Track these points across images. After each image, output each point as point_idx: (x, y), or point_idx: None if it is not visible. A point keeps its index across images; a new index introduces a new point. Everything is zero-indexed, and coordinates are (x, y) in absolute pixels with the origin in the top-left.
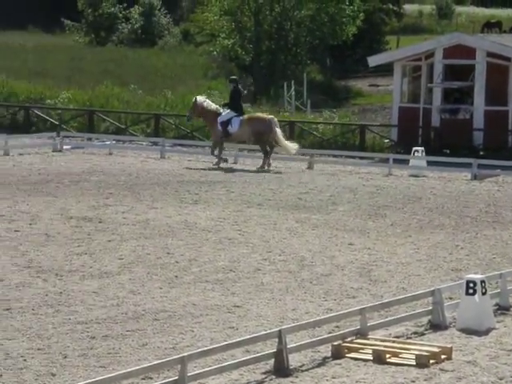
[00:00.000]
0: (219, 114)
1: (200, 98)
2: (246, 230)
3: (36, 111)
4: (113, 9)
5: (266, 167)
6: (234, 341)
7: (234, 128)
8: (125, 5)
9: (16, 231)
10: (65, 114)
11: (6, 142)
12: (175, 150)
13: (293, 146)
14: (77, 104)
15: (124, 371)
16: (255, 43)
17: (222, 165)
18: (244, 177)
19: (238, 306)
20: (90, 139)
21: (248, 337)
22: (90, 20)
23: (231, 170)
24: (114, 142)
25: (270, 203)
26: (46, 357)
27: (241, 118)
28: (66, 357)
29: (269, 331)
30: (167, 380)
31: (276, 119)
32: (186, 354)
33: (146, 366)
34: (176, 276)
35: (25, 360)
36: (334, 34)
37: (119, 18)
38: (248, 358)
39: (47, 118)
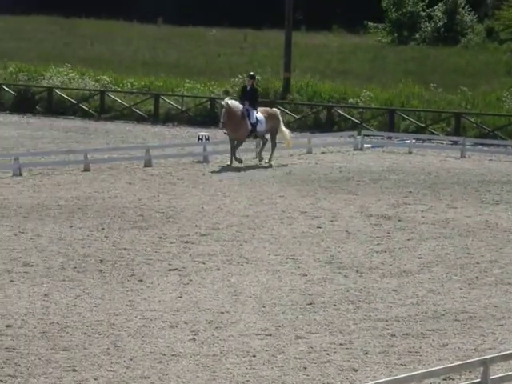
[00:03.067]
0: (244, 113)
1: (233, 101)
2: None
3: (338, 110)
4: (416, 8)
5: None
6: None
7: (262, 126)
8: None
9: (318, 228)
10: (366, 112)
11: (309, 140)
12: (476, 149)
13: (289, 135)
14: (378, 103)
15: (425, 370)
16: None
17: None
18: None
19: None
20: (389, 138)
21: None
22: (393, 19)
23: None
24: (413, 140)
25: None
26: (347, 352)
27: (262, 115)
28: (367, 353)
29: None
30: (469, 382)
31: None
32: (488, 356)
33: (447, 366)
34: (476, 277)
35: (327, 354)
36: None
37: (422, 17)
38: None
39: (349, 116)
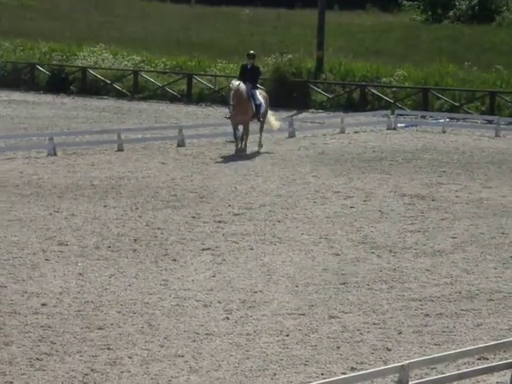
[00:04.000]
0: (249, 95)
1: (242, 84)
2: None
3: (371, 89)
4: None
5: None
6: None
7: (263, 109)
8: None
9: (351, 207)
10: (399, 92)
11: (342, 119)
12: (511, 128)
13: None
14: (411, 82)
15: (459, 350)
16: None
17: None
18: None
19: None
20: (423, 117)
21: None
22: None
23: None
24: (447, 119)
25: None
26: (381, 331)
27: (260, 97)
28: (400, 332)
29: None
30: (504, 362)
31: None
32: None
33: (481, 346)
34: (511, 256)
35: (361, 333)
36: None
37: None
38: None
39: (382, 96)
